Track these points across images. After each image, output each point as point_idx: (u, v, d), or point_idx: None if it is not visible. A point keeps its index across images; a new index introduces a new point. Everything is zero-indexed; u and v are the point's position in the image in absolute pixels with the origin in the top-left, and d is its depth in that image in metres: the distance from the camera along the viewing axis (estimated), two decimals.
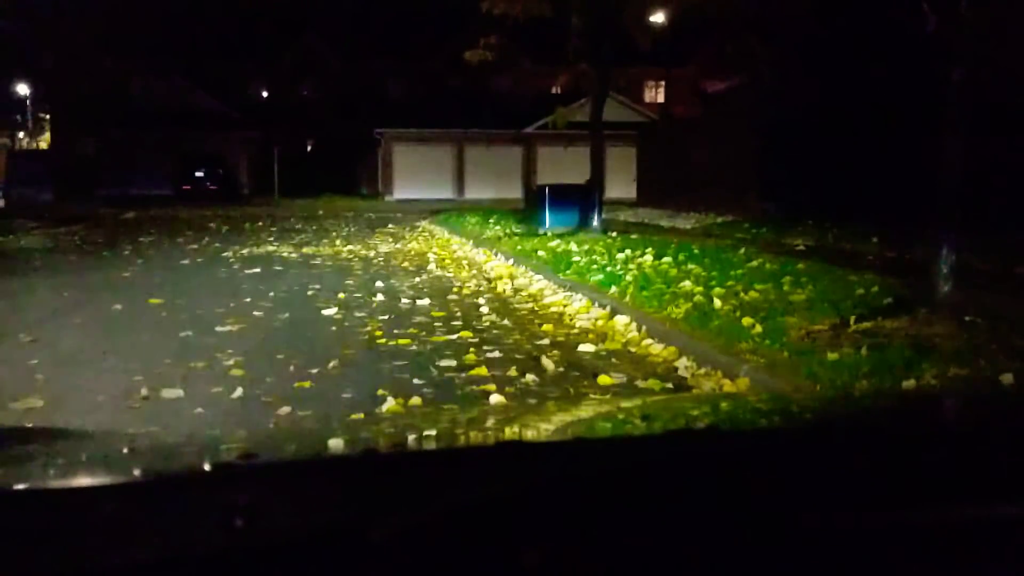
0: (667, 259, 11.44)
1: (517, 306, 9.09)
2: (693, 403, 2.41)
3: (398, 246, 16.57)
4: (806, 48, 20.64)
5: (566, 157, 35.03)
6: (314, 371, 5.97)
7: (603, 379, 5.75)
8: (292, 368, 6.07)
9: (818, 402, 2.13)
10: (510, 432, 1.51)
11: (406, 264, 13.28)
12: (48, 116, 48.84)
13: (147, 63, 42.03)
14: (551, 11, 16.89)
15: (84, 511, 0.89)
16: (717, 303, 7.75)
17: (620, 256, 12.04)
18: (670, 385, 5.68)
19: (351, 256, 14.62)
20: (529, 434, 1.48)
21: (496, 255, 13.94)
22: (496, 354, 6.58)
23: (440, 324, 7.88)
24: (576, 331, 7.61)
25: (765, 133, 20.03)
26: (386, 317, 8.23)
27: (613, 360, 6.49)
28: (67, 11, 40.06)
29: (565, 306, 8.86)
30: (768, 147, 19.82)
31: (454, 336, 7.29)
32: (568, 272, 10.75)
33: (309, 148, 46.93)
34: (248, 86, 47.93)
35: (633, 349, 6.87)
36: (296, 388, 5.55)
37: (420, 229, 21.59)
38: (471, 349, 6.71)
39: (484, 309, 8.70)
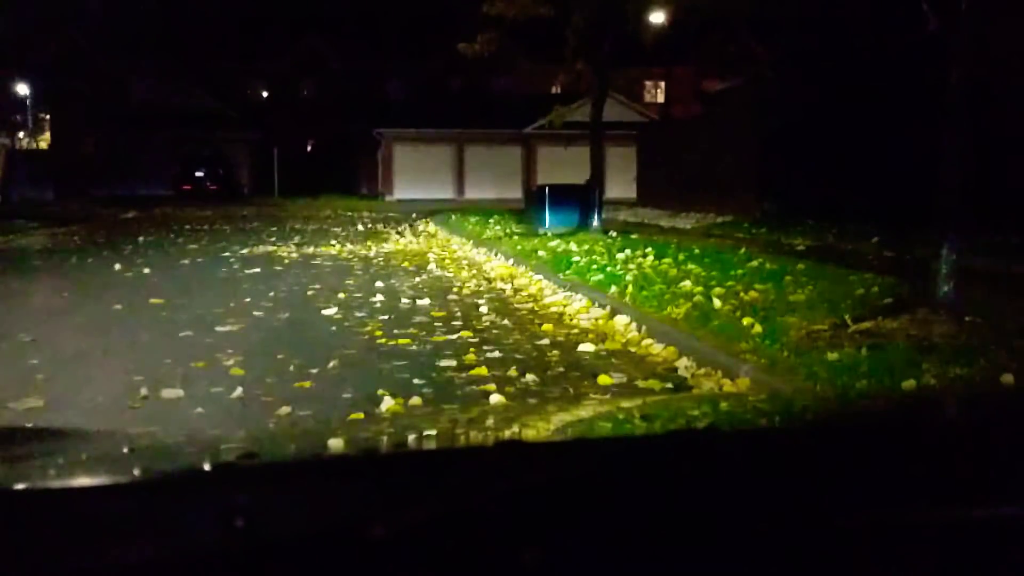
0: (667, 259, 11.44)
1: (517, 306, 9.09)
2: (693, 403, 2.41)
3: (398, 246, 16.56)
4: (806, 48, 20.66)
5: (566, 157, 35.03)
6: (314, 371, 5.97)
7: (603, 379, 5.75)
8: (292, 368, 6.07)
9: (818, 402, 2.13)
10: (510, 432, 1.51)
11: (406, 264, 13.28)
12: (48, 116, 48.83)
13: (147, 63, 42.05)
14: (550, 11, 16.90)
15: (84, 511, 0.89)
16: (717, 303, 7.75)
17: (620, 256, 12.04)
18: (670, 385, 5.68)
19: (351, 256, 14.62)
20: (529, 434, 1.48)
21: (496, 255, 13.94)
22: (496, 354, 6.58)
23: (440, 324, 7.88)
24: (576, 331, 7.61)
25: (765, 133, 20.03)
26: (386, 317, 8.23)
27: (613, 360, 6.49)
28: (67, 11, 40.05)
29: (565, 306, 8.85)
30: (768, 147, 19.81)
31: (454, 336, 7.29)
32: (568, 272, 10.75)
33: (309, 148, 46.94)
34: (248, 86, 47.94)
35: (633, 349, 6.87)
36: (296, 388, 5.56)
37: (420, 229, 21.59)
38: (471, 349, 6.71)
39: (484, 309, 8.70)
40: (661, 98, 46.06)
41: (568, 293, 9.49)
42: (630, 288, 8.94)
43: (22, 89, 49.29)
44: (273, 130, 42.75)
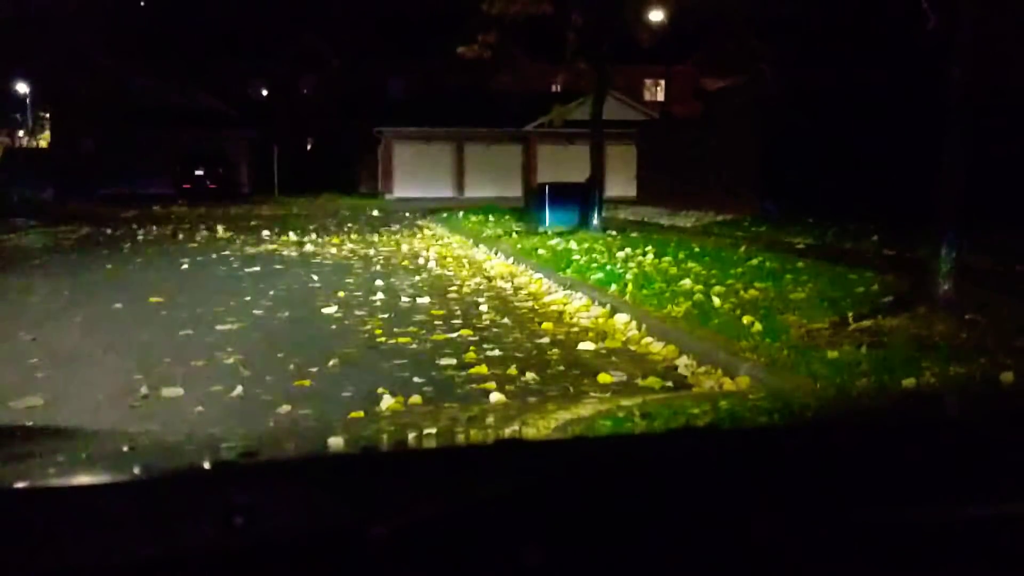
0: (667, 257, 11.44)
1: (517, 304, 9.09)
2: (693, 401, 2.41)
3: (398, 245, 16.56)
4: (806, 46, 20.65)
5: (566, 155, 35.01)
6: (314, 370, 5.98)
7: (603, 377, 5.75)
8: (292, 367, 6.07)
9: (818, 400, 2.13)
10: (510, 431, 1.51)
11: (406, 262, 13.28)
12: (48, 115, 48.84)
13: (147, 63, 42.03)
14: (550, 9, 16.88)
15: (84, 510, 0.89)
16: (717, 301, 7.75)
17: (620, 254, 12.03)
18: (670, 383, 5.68)
19: (351, 254, 14.61)
20: (529, 433, 1.48)
21: (496, 254, 13.94)
22: (496, 352, 6.59)
23: (440, 322, 7.88)
24: (576, 329, 7.61)
25: (765, 131, 20.02)
26: (386, 315, 8.23)
27: (613, 358, 6.49)
28: (67, 11, 40.04)
29: (565, 304, 8.86)
30: (768, 145, 19.82)
31: (454, 334, 7.30)
32: (568, 270, 10.74)
33: (309, 147, 46.92)
34: (248, 85, 47.91)
35: (633, 347, 6.87)
36: (296, 386, 5.56)
37: (420, 228, 21.58)
38: (471, 347, 6.71)
39: (484, 307, 8.70)
40: (661, 97, 46.04)
41: (568, 291, 9.49)
42: (630, 286, 8.94)
43: (22, 89, 49.34)
44: (273, 129, 42.71)
